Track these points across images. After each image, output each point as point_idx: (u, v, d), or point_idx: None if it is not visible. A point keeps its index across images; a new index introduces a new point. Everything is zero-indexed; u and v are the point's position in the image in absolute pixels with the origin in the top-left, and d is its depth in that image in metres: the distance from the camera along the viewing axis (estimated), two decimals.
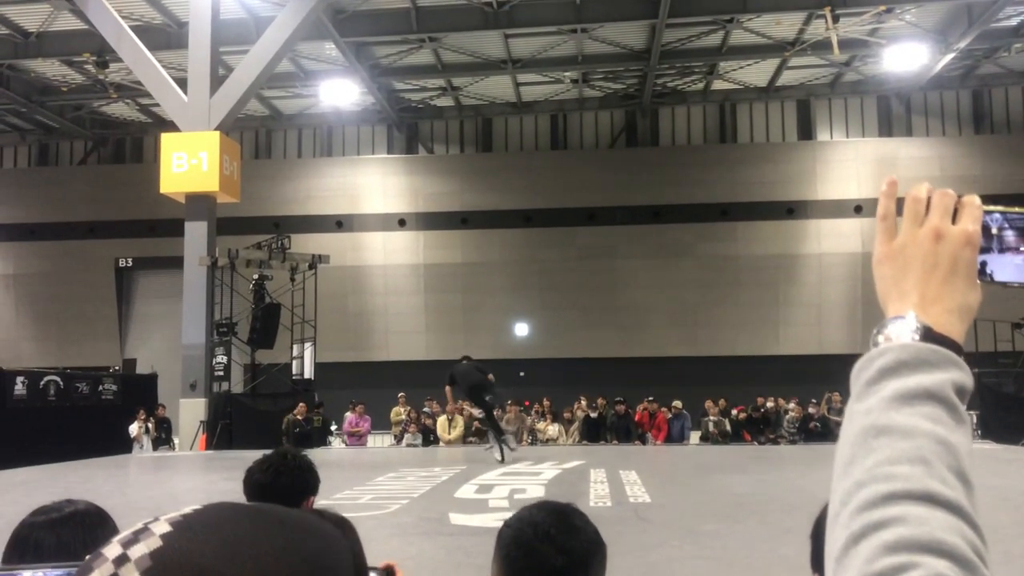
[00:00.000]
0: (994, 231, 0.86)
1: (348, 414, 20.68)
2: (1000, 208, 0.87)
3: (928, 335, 0.77)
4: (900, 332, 0.78)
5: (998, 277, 0.86)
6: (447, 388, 15.26)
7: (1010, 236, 0.86)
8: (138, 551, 0.62)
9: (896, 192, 0.85)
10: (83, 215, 29.76)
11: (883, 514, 0.66)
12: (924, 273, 0.81)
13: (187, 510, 0.66)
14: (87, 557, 0.64)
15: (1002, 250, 0.86)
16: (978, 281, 0.83)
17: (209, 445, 18.94)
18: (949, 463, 0.69)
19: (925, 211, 0.83)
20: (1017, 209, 0.88)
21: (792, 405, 20.50)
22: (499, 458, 14.02)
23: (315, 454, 12.97)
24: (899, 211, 0.87)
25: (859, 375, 0.78)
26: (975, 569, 0.63)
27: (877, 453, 0.70)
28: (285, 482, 2.80)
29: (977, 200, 0.84)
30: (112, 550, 0.63)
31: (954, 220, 0.83)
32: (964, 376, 0.75)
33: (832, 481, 0.72)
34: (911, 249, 0.82)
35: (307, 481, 2.86)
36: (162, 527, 0.64)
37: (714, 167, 28.30)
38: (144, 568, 0.61)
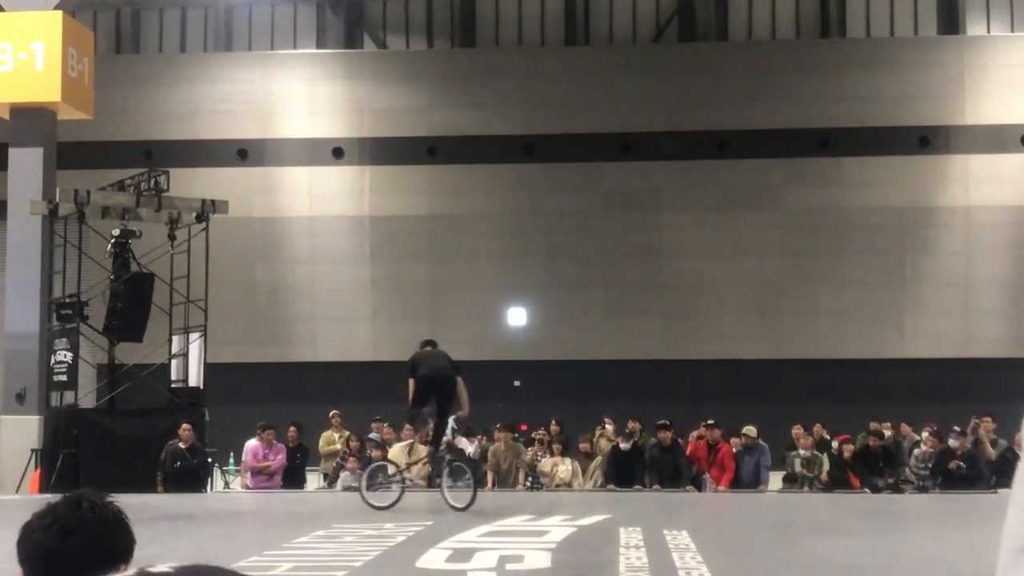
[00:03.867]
0: None
1: (251, 442, 20.64)
2: None
3: None
4: None
5: None
6: (410, 384, 15.07)
7: None
8: None
9: None
10: None
11: None
12: None
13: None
14: None
15: None
16: None
17: (45, 486, 18.88)
18: None
19: None
20: None
21: (924, 435, 20.51)
22: (457, 505, 14.25)
23: (205, 502, 12.97)
24: None
25: None
26: None
27: None
28: (78, 544, 2.75)
29: None
30: None
31: None
32: None
33: (1003, 538, 0.71)
34: None
35: (114, 542, 2.82)
36: None
37: (810, 76, 28.23)
38: None
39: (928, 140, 28.06)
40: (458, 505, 13.98)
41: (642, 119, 28.37)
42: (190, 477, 19.15)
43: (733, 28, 29.93)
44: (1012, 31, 29.11)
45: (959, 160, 28.03)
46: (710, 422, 20.28)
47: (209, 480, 20.70)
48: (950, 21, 29.40)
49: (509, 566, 9.90)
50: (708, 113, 28.20)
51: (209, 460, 19.98)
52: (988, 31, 29.27)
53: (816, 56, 28.78)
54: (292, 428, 20.64)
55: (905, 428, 21.16)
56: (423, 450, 20.08)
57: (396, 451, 20.05)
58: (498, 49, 30.15)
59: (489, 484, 19.56)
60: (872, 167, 28.07)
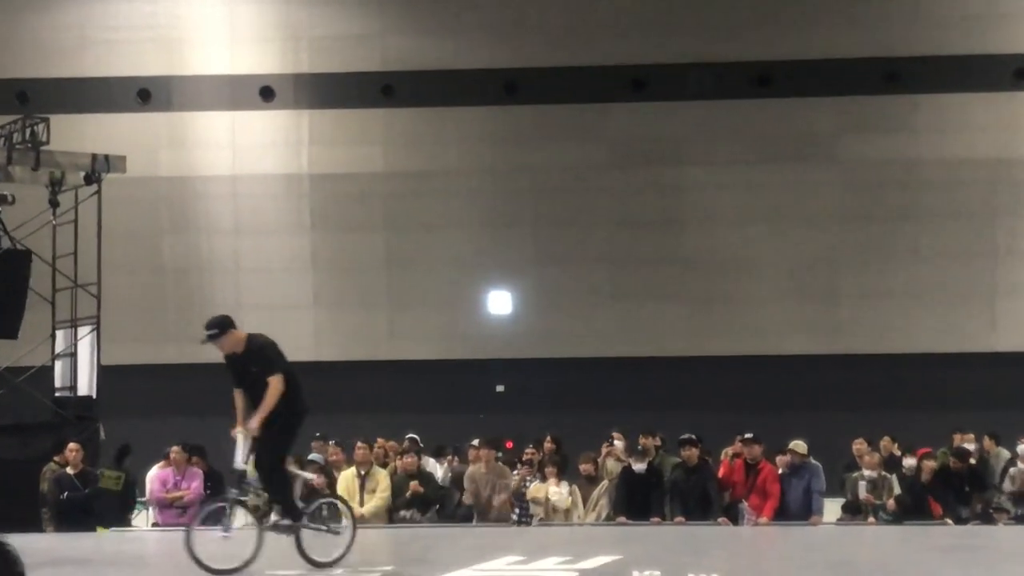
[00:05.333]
0: None
1: (156, 468, 20.65)
2: None
3: None
4: None
5: None
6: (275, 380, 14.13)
7: None
8: None
9: None
10: None
11: None
12: None
13: None
14: None
15: None
16: None
17: None
18: None
19: None
20: None
21: (1021, 448, 20.63)
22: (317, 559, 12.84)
23: (100, 543, 12.94)
24: None
25: None
26: None
27: None
28: None
29: None
30: None
31: None
32: None
33: None
34: None
35: None
36: None
37: None
38: None
39: None
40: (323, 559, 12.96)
41: (658, 49, 28.40)
42: (80, 511, 19.11)
43: None
44: None
45: None
46: (748, 436, 20.34)
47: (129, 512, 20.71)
48: None
49: None
50: (742, 41, 28.23)
51: (116, 490, 19.93)
52: None
53: None
54: (190, 454, 20.54)
55: (989, 442, 21.22)
56: (382, 474, 20.16)
57: (346, 477, 20.11)
58: None
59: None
60: (954, 107, 28.14)
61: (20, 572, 2.87)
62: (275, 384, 12.83)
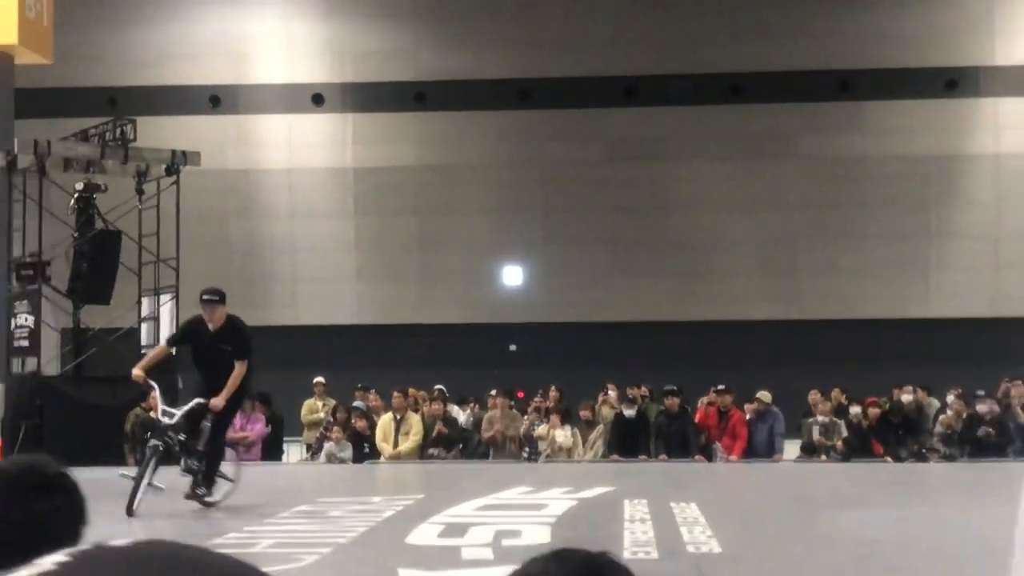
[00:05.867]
0: None
1: None
2: None
3: None
4: None
5: None
6: (157, 349, 14.27)
7: None
8: None
9: None
10: None
11: None
12: None
13: (48, 564, 0.65)
14: None
15: None
16: None
17: (5, 456, 18.98)
18: None
19: None
20: None
21: (950, 399, 20.60)
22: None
23: (177, 474, 12.98)
24: None
25: None
26: None
27: None
28: (45, 509, 2.53)
29: None
30: None
31: None
32: None
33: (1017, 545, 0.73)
34: None
35: (76, 514, 2.62)
36: None
37: (830, 12, 28.11)
38: None
39: (955, 82, 28.00)
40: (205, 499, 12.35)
41: (649, 61, 28.29)
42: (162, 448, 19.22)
43: None
44: None
45: (988, 104, 28.00)
46: (721, 387, 20.39)
47: None
48: None
49: (506, 542, 9.94)
50: (720, 54, 28.10)
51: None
52: None
53: None
54: (254, 401, 20.46)
55: (922, 393, 21.22)
56: (414, 419, 20.19)
57: (383, 422, 20.13)
58: None
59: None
60: (895, 112, 28.05)
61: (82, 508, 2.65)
62: (241, 369, 12.38)
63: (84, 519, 2.64)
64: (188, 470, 12.32)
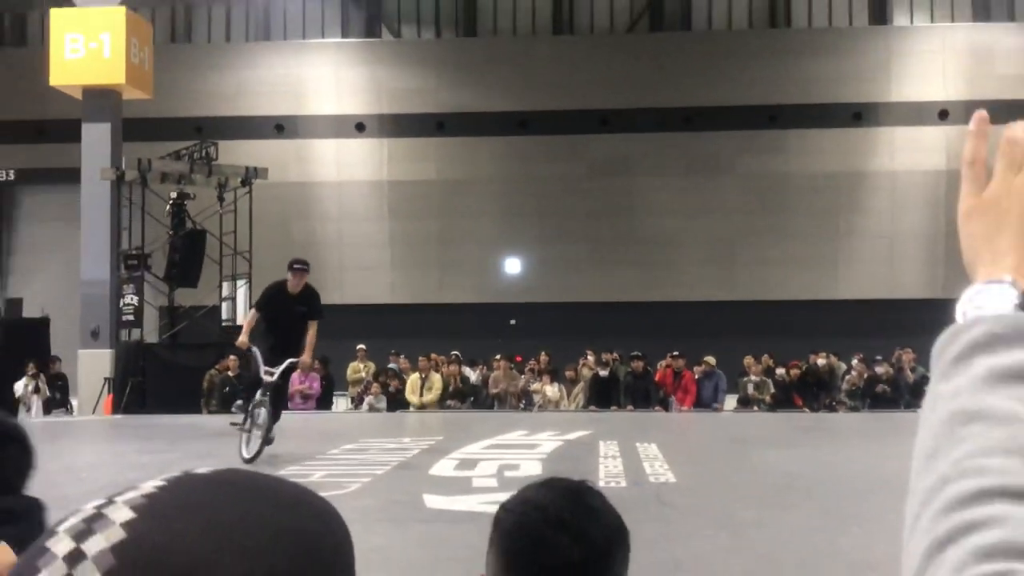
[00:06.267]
0: None
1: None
2: None
3: None
4: (993, 301, 0.79)
5: None
6: (250, 316, 12.44)
7: None
8: (95, 545, 0.60)
9: (987, 129, 0.85)
10: None
11: (974, 515, 0.67)
12: (1023, 230, 0.82)
13: (148, 487, 0.64)
14: (26, 552, 0.61)
15: None
16: None
17: (116, 408, 19.01)
18: None
19: None
20: None
21: (854, 363, 20.65)
22: (247, 454, 10.81)
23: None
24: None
25: (943, 352, 0.79)
26: None
27: (966, 443, 0.71)
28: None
29: None
30: (60, 544, 0.60)
31: None
32: None
33: (911, 476, 0.74)
34: (1007, 201, 0.83)
35: (24, 459, 2.52)
36: (121, 513, 0.62)
37: (762, 59, 28.07)
38: (106, 568, 0.59)
39: (860, 115, 27.98)
40: (249, 456, 10.85)
41: (619, 98, 28.23)
42: (236, 399, 19.32)
43: (695, 20, 29.77)
44: (932, 22, 28.97)
45: (886, 132, 27.97)
46: (675, 354, 20.43)
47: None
48: (879, 13, 29.26)
49: (507, 473, 10.02)
50: (675, 92, 28.06)
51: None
52: (911, 22, 29.11)
53: (765, 43, 28.61)
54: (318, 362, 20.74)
55: (832, 358, 21.27)
56: (436, 377, 20.23)
57: (412, 380, 20.19)
58: (496, 38, 29.95)
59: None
60: (812, 138, 27.99)
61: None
62: (315, 329, 11.60)
63: (33, 465, 2.54)
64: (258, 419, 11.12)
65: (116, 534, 0.60)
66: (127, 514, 0.62)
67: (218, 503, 0.63)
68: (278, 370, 11.05)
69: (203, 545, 0.60)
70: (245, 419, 11.12)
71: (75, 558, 0.59)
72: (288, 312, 11.41)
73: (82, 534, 0.61)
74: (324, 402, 20.79)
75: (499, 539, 1.57)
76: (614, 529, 1.58)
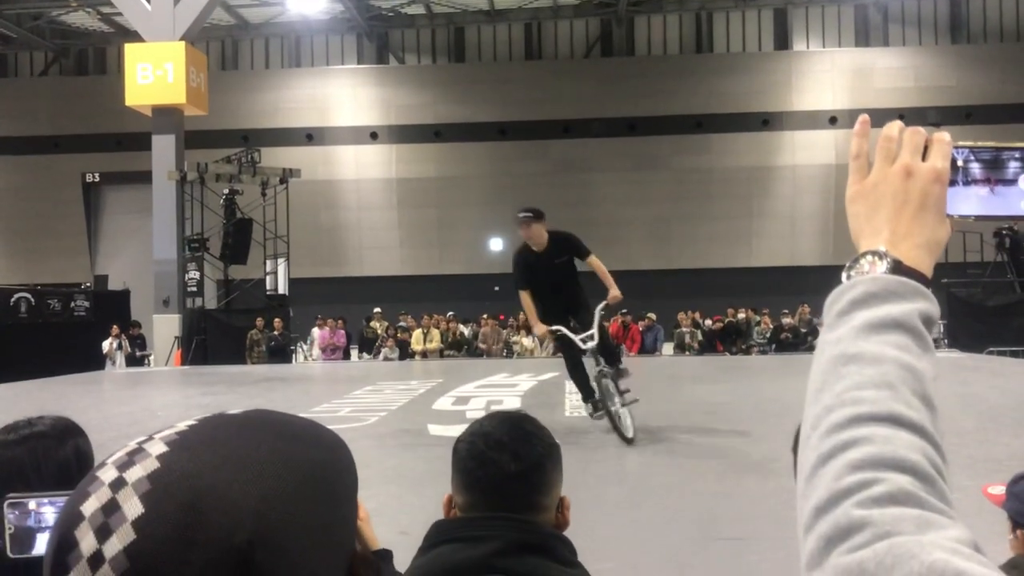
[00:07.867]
0: (960, 163, 0.87)
1: (315, 329, 20.76)
2: (969, 143, 0.89)
3: (898, 269, 0.79)
4: (871, 266, 0.81)
5: (959, 211, 0.87)
6: (523, 295, 8.49)
7: (976, 169, 0.88)
8: (135, 473, 0.60)
9: (869, 130, 0.86)
10: (47, 129, 29.07)
11: (850, 435, 0.69)
12: (895, 210, 0.83)
13: (181, 426, 0.64)
14: (81, 480, 0.61)
15: (967, 183, 0.88)
16: (947, 216, 0.84)
17: (184, 360, 18.97)
18: (914, 387, 0.72)
19: (897, 149, 0.85)
20: (985, 144, 0.89)
21: (764, 315, 20.77)
22: (628, 434, 7.68)
23: (291, 369, 13.00)
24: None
25: (830, 307, 0.80)
26: (934, 483, 0.66)
27: (846, 379, 0.73)
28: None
29: (947, 137, 0.85)
30: (107, 473, 0.61)
31: (924, 157, 0.84)
32: (931, 306, 0.78)
33: (805, 406, 0.75)
34: (883, 187, 0.84)
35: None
36: (157, 447, 0.62)
37: (689, 78, 28.02)
38: (143, 492, 0.59)
39: (768, 121, 27.96)
40: (630, 439, 7.65)
41: (578, 110, 28.15)
42: (279, 352, 19.30)
43: (638, 46, 29.63)
44: (823, 47, 28.93)
45: (788, 135, 27.97)
46: (624, 311, 20.48)
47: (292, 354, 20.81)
48: (782, 40, 29.21)
49: (493, 407, 10.03)
50: (622, 105, 27.98)
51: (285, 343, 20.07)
52: (807, 47, 29.06)
53: (693, 65, 28.52)
54: (340, 320, 20.85)
55: (750, 312, 21.40)
56: (436, 332, 20.20)
57: (417, 334, 20.19)
58: (480, 63, 29.74)
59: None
60: (731, 140, 27.98)
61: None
62: (598, 261, 8.45)
63: (92, 460, 2.00)
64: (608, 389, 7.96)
65: (151, 464, 0.61)
66: (161, 448, 0.62)
67: (238, 438, 0.63)
68: (593, 331, 8.02)
69: (222, 471, 0.60)
70: (598, 404, 8.03)
71: (118, 484, 0.60)
72: (548, 271, 8.32)
73: (124, 464, 0.61)
74: (349, 354, 20.78)
75: (456, 462, 1.61)
76: (546, 446, 1.60)
